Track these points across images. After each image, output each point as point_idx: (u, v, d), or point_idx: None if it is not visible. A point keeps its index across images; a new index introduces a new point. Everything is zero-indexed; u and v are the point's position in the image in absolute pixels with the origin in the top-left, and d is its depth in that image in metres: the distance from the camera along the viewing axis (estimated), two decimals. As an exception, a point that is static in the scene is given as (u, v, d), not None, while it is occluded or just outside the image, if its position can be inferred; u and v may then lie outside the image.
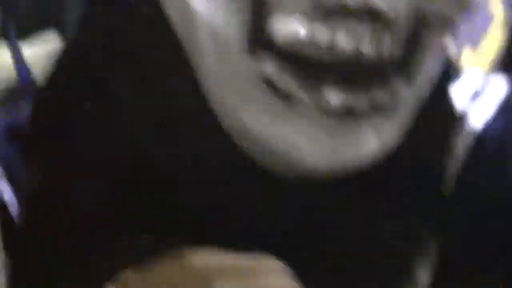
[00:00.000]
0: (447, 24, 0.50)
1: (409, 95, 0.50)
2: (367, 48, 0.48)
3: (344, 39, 0.48)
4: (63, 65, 0.59)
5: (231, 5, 0.49)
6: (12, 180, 0.58)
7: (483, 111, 0.57)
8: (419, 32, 0.49)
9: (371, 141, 0.51)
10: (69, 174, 0.54)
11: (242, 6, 0.48)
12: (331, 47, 0.48)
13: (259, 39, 0.50)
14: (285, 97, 0.49)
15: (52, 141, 0.57)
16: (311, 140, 0.50)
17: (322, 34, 0.48)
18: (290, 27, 0.48)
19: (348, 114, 0.49)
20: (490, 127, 0.57)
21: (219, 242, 0.49)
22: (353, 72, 0.49)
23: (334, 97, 0.49)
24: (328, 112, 0.49)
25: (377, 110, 0.51)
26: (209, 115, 0.51)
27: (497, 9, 0.94)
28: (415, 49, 0.49)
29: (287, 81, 0.49)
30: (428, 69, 0.50)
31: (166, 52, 0.53)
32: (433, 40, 0.49)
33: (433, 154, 0.55)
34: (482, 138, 0.57)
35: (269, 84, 0.49)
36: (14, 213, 0.57)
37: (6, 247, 0.56)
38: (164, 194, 0.53)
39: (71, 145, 0.55)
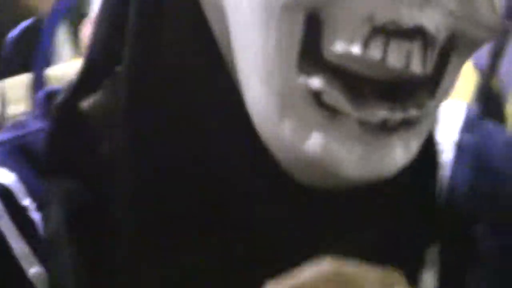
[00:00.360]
0: (473, 48, 0.53)
1: (431, 110, 0.53)
2: (416, 66, 0.50)
3: (396, 57, 0.50)
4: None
5: (284, 22, 0.50)
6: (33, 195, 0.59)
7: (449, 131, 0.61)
8: (447, 51, 0.52)
9: (400, 154, 0.53)
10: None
11: (296, 24, 0.50)
12: (383, 64, 0.50)
13: (310, 55, 0.51)
14: (330, 110, 0.51)
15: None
16: (349, 151, 0.51)
17: (375, 52, 0.50)
18: (343, 44, 0.50)
19: (383, 127, 0.52)
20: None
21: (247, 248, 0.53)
22: (396, 88, 0.51)
23: (377, 111, 0.51)
24: (367, 125, 0.51)
25: (407, 124, 0.53)
26: (247, 129, 0.52)
27: None
28: (441, 66, 0.52)
29: (335, 95, 0.50)
30: (446, 85, 0.53)
31: (209, 67, 0.55)
32: (456, 60, 0.52)
33: (425, 165, 0.57)
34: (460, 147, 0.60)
35: (315, 97, 0.51)
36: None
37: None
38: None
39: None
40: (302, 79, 0.50)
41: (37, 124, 0.60)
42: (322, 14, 0.50)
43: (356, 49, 0.49)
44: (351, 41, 0.49)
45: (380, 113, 0.51)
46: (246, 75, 0.52)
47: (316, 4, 0.49)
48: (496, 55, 0.93)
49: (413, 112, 0.52)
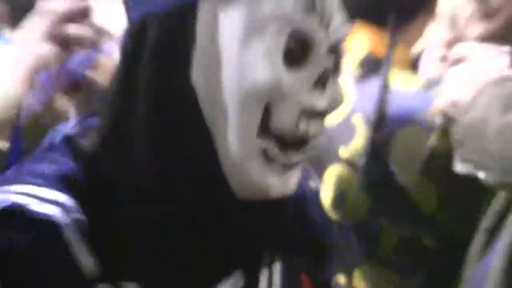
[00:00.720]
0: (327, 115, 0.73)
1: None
2: (322, 131, 0.71)
3: (314, 129, 0.70)
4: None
5: (252, 108, 0.67)
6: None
7: None
8: None
9: (295, 180, 0.73)
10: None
11: (258, 110, 0.67)
12: (307, 134, 0.69)
13: (264, 128, 0.68)
14: (270, 159, 0.69)
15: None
16: (275, 181, 0.71)
17: (302, 127, 0.69)
18: (283, 123, 0.68)
19: (292, 166, 0.71)
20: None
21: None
22: (304, 143, 0.71)
23: (295, 158, 0.71)
24: (286, 166, 0.71)
25: (299, 162, 0.72)
26: (220, 174, 0.69)
27: (358, 121, 1.22)
28: None
29: (274, 152, 0.69)
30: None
31: (196, 137, 0.69)
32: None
33: None
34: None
35: (264, 152, 0.69)
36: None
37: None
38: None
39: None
40: (258, 142, 0.69)
41: (67, 162, 0.72)
42: (272, 104, 0.68)
43: (291, 127, 0.68)
44: (287, 121, 0.68)
45: (294, 159, 0.70)
46: (224, 136, 0.68)
47: (269, 100, 0.67)
48: (381, 112, 1.17)
49: (304, 156, 0.71)
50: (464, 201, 1.16)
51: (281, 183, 0.72)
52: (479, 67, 0.98)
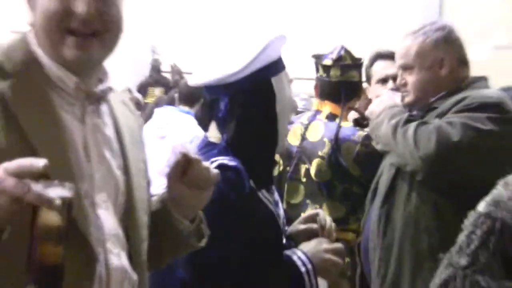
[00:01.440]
0: None
1: None
2: None
3: None
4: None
5: (290, 115, 1.81)
6: None
7: None
8: None
9: None
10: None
11: (291, 115, 1.87)
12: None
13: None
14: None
15: None
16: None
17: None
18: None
19: None
20: None
21: None
22: None
23: None
24: None
25: None
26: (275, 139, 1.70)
27: (326, 141, 2.73)
28: None
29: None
30: None
31: (273, 131, 1.69)
32: None
33: None
34: None
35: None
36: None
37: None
38: None
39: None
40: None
41: (218, 145, 1.68)
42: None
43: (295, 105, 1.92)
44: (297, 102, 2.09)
45: None
46: (282, 128, 1.72)
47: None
48: (336, 136, 2.74)
49: None
50: (372, 171, 2.69)
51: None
52: (384, 99, 2.39)
